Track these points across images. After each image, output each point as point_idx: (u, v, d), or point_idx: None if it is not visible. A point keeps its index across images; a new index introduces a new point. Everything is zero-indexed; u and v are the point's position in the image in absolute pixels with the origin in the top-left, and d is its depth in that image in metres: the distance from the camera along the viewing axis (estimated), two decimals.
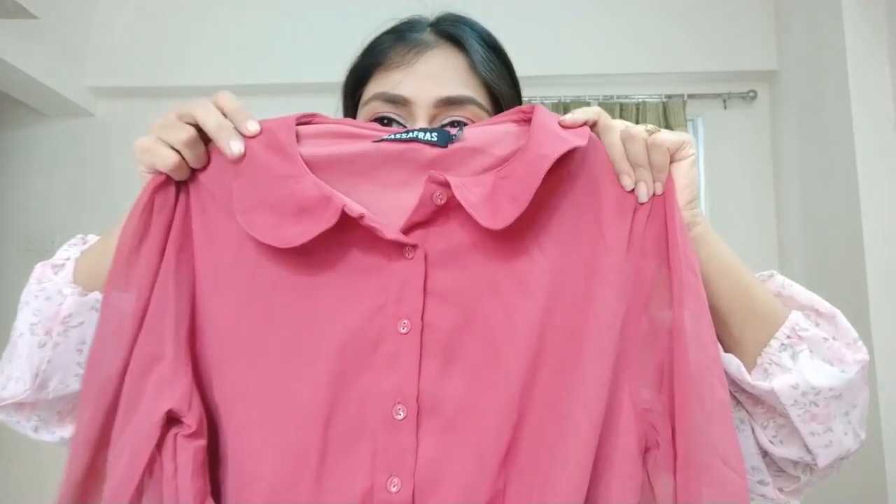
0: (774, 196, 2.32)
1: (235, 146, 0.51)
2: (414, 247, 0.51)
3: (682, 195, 0.51)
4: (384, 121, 0.61)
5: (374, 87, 0.62)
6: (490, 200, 0.49)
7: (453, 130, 0.53)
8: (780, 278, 0.58)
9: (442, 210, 0.51)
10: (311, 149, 0.52)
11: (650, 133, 0.51)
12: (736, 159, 2.35)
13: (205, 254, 0.52)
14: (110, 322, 0.50)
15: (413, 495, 0.47)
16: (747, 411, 0.54)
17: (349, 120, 0.59)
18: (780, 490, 0.56)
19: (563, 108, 2.30)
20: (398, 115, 0.60)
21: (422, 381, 0.49)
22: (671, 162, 0.51)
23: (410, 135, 0.52)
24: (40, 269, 0.58)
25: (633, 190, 0.52)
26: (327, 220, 0.48)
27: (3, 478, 2.34)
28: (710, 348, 0.48)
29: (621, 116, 2.30)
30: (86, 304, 0.53)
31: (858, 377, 0.51)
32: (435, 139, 0.52)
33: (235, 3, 2.45)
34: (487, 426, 0.48)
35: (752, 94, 2.32)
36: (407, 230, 0.51)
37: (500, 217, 0.48)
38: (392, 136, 0.53)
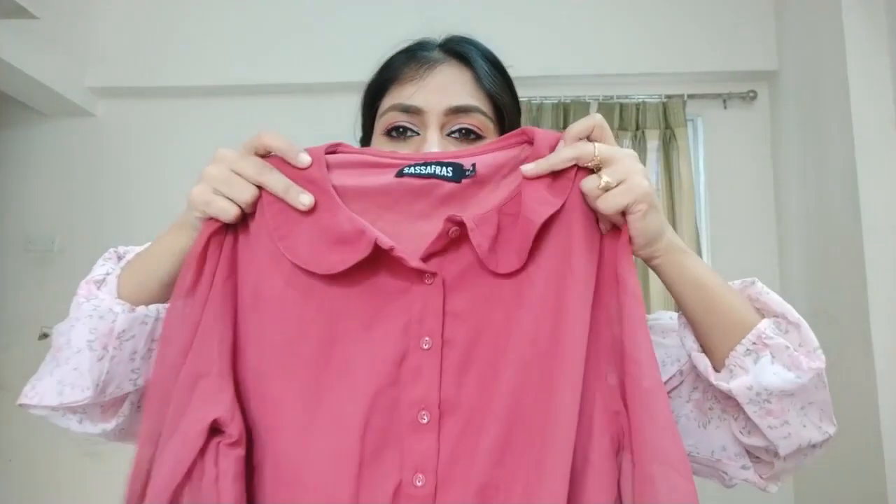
0: (774, 196, 2.32)
1: (306, 199, 0.57)
2: (434, 274, 0.58)
3: (635, 242, 0.57)
4: (399, 129, 0.67)
5: (390, 99, 0.68)
6: (495, 250, 0.57)
7: (466, 165, 0.60)
8: (759, 286, 0.63)
9: (455, 241, 0.58)
10: (341, 179, 0.59)
11: (605, 189, 0.55)
12: (736, 159, 2.35)
13: (247, 279, 0.58)
14: (170, 346, 0.56)
15: (435, 490, 0.53)
16: (722, 407, 0.62)
17: (373, 150, 0.65)
18: (760, 475, 0.63)
19: (563, 108, 2.30)
20: (412, 123, 0.67)
21: (442, 390, 0.56)
22: (625, 214, 0.56)
23: (428, 170, 0.59)
24: (85, 287, 0.63)
25: (589, 223, 0.58)
26: (362, 251, 0.55)
27: (3, 478, 2.34)
28: (653, 368, 0.54)
29: (621, 116, 2.30)
30: (136, 319, 0.60)
31: (812, 382, 0.57)
32: (450, 175, 0.59)
33: (235, 3, 2.45)
34: (494, 426, 0.54)
35: (752, 94, 2.32)
36: (425, 258, 0.58)
37: (506, 266, 0.57)
38: (413, 171, 0.59)
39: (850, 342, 1.72)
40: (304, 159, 0.58)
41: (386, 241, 0.55)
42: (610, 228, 0.58)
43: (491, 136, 0.69)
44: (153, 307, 0.62)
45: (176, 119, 2.49)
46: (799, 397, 0.58)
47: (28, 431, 2.35)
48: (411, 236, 0.58)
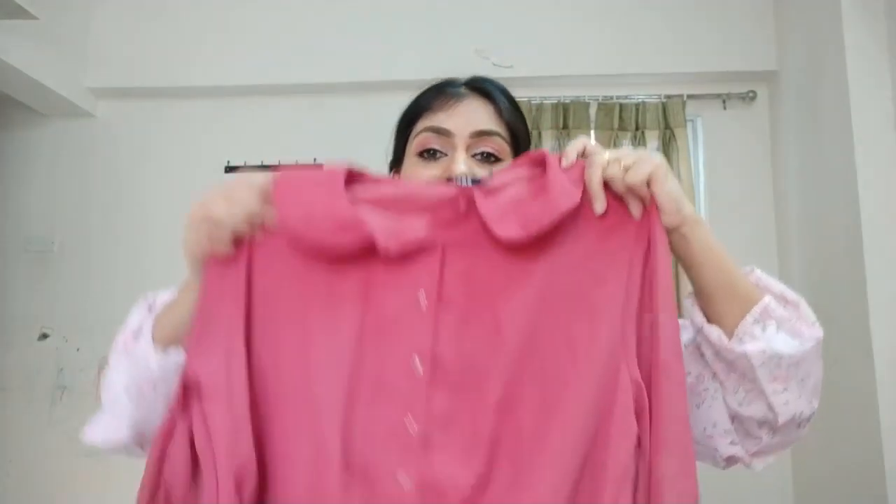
0: (774, 196, 2.32)
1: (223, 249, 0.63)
2: (434, 240, 0.62)
3: (664, 209, 0.63)
4: (430, 151, 0.77)
5: (423, 123, 0.79)
6: (504, 219, 0.61)
7: (483, 174, 0.69)
8: (758, 272, 0.70)
9: (464, 216, 0.63)
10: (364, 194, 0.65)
11: (625, 169, 0.62)
12: (735, 160, 2.35)
13: (261, 272, 0.64)
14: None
15: (426, 434, 0.58)
16: (720, 382, 0.68)
17: (398, 182, 0.75)
18: (747, 452, 0.69)
19: (563, 108, 2.30)
20: (442, 145, 0.77)
21: (437, 344, 0.61)
22: (649, 185, 0.62)
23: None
24: (122, 340, 0.69)
25: (612, 210, 0.64)
26: (357, 242, 0.61)
27: (3, 478, 2.34)
28: (676, 343, 0.61)
29: (621, 116, 2.30)
30: (169, 366, 0.66)
31: (813, 350, 0.65)
32: (470, 183, 0.66)
33: (235, 3, 2.45)
34: (484, 381, 0.60)
35: (751, 94, 2.33)
36: (431, 227, 0.63)
37: (508, 233, 0.60)
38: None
39: (850, 342, 1.72)
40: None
41: (374, 231, 0.60)
42: (642, 210, 0.63)
43: (508, 158, 0.79)
44: (183, 353, 0.67)
45: (176, 119, 2.49)
46: (802, 367, 0.64)
47: (28, 431, 2.35)
48: (420, 220, 0.63)
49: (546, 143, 2.28)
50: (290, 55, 2.39)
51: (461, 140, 0.76)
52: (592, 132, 2.32)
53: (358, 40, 2.38)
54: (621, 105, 2.30)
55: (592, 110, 2.31)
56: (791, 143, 2.18)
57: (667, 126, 2.27)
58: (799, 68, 2.11)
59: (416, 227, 0.62)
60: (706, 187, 2.36)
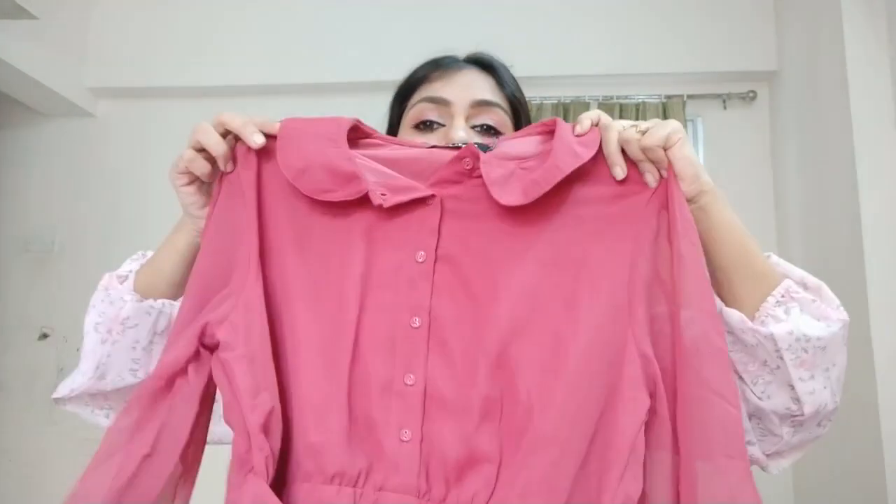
0: (774, 196, 2.32)
1: (258, 139, 0.61)
2: (433, 196, 0.61)
3: (683, 175, 0.59)
4: (427, 123, 0.74)
5: (420, 94, 0.75)
6: (506, 183, 0.60)
7: (489, 142, 0.65)
8: (776, 258, 0.66)
9: (467, 176, 0.62)
10: (365, 151, 0.65)
11: (642, 133, 0.59)
12: (735, 160, 2.35)
13: (268, 214, 0.64)
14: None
15: (424, 388, 0.58)
16: (738, 375, 0.63)
17: (405, 141, 0.70)
18: (765, 452, 0.64)
19: (563, 108, 2.30)
20: (440, 115, 0.73)
21: (433, 299, 0.60)
22: (666, 150, 0.59)
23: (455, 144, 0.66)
24: (107, 279, 0.69)
25: (624, 179, 0.61)
26: (353, 194, 0.60)
27: (3, 476, 2.34)
28: (709, 305, 0.57)
29: (621, 116, 2.30)
30: (142, 308, 0.65)
31: (840, 334, 0.61)
32: (476, 145, 0.63)
33: (235, 3, 2.45)
34: (482, 339, 0.59)
35: (751, 94, 2.33)
36: (433, 184, 0.62)
37: (509, 198, 0.59)
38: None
39: (850, 342, 1.71)
40: (258, 140, 0.61)
41: (369, 187, 0.60)
42: (658, 178, 0.60)
43: (508, 131, 0.75)
44: (160, 301, 0.66)
45: (175, 119, 2.48)
46: (828, 353, 0.60)
47: (28, 431, 2.35)
48: (422, 181, 0.62)
49: None
50: (290, 55, 2.39)
51: (460, 109, 0.73)
52: None
53: (357, 40, 2.38)
54: (621, 105, 2.30)
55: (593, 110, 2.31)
56: (791, 143, 2.18)
57: None
58: (799, 68, 2.11)
59: (415, 186, 0.62)
60: None
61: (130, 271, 0.69)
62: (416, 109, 0.74)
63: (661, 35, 2.32)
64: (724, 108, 2.35)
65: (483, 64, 0.77)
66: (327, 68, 2.39)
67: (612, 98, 2.31)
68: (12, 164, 2.52)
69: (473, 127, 0.73)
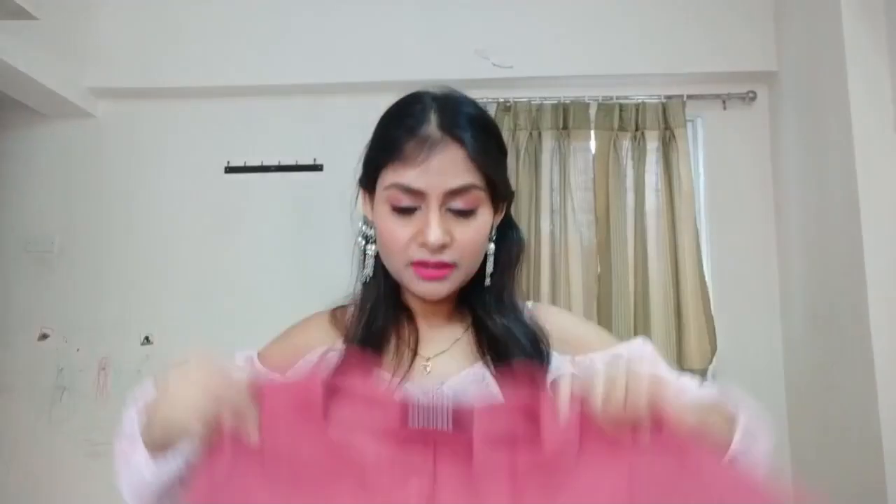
0: (774, 197, 2.32)
1: (253, 438, 0.61)
2: (421, 468, 0.62)
3: (683, 422, 0.59)
4: (403, 209, 0.75)
5: (394, 176, 0.75)
6: (492, 475, 0.60)
7: (468, 421, 0.63)
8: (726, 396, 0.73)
9: (449, 444, 0.62)
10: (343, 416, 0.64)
11: (625, 396, 0.59)
12: (735, 160, 2.35)
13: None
14: None
15: None
16: None
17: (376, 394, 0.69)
18: None
19: (563, 108, 2.30)
20: (414, 201, 0.75)
21: None
22: (653, 406, 0.59)
23: (431, 424, 0.64)
24: (119, 447, 0.70)
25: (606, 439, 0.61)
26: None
27: (3, 477, 2.34)
28: None
29: (621, 117, 2.30)
30: (162, 474, 0.67)
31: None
32: (451, 429, 0.63)
33: (235, 4, 2.45)
34: None
35: (751, 94, 2.33)
36: (419, 457, 0.62)
37: (499, 490, 0.60)
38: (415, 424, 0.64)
39: (850, 342, 1.72)
40: (253, 438, 0.61)
41: (360, 462, 0.61)
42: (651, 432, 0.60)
43: (484, 205, 0.77)
44: (175, 463, 0.67)
45: (175, 119, 2.49)
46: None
47: (28, 431, 2.35)
48: (408, 453, 0.63)
49: (546, 143, 2.29)
50: (290, 55, 2.39)
51: (434, 199, 0.74)
52: (592, 132, 2.32)
53: (358, 40, 2.38)
54: (621, 105, 2.30)
55: (592, 110, 2.31)
56: (791, 143, 2.18)
57: (667, 126, 2.27)
58: (799, 68, 2.11)
59: (402, 460, 0.62)
60: (706, 187, 2.36)
61: (135, 433, 0.69)
62: (392, 194, 0.75)
63: (661, 35, 2.32)
64: (724, 108, 2.35)
65: (455, 134, 0.75)
66: (328, 68, 2.39)
67: (612, 98, 2.31)
68: (12, 165, 2.52)
69: (449, 209, 0.75)
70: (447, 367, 0.80)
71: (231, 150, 2.45)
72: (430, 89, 0.80)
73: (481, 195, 0.77)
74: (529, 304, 0.87)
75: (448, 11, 2.37)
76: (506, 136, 2.25)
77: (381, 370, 0.79)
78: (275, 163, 2.43)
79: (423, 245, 0.73)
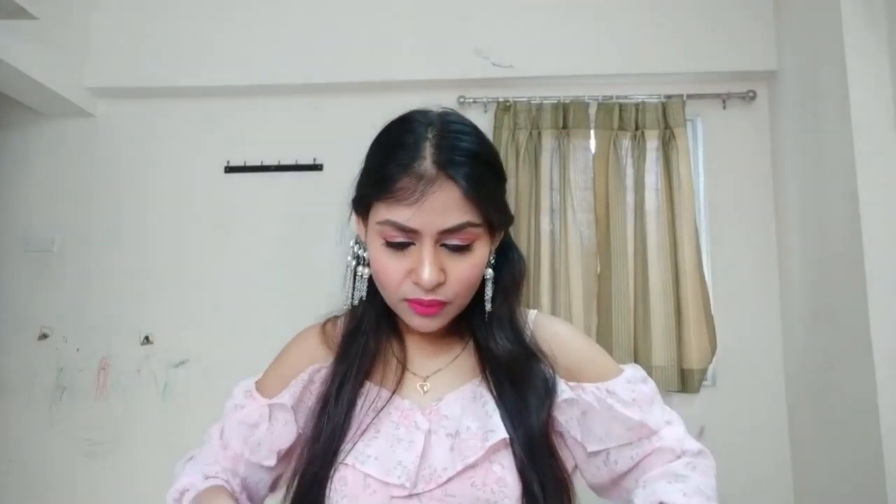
0: (774, 196, 2.32)
1: None
2: None
3: None
4: (397, 244, 0.74)
5: (387, 213, 0.73)
6: None
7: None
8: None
9: None
10: None
11: None
12: (735, 159, 2.35)
13: None
14: None
15: None
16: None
17: None
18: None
19: (563, 108, 2.30)
20: (408, 238, 0.73)
21: None
22: None
23: None
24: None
25: None
26: None
27: (3, 477, 2.34)
28: None
29: (620, 116, 2.30)
30: None
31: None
32: None
33: (235, 3, 2.45)
34: None
35: (751, 94, 2.33)
36: None
37: None
38: None
39: (850, 342, 1.72)
40: None
41: None
42: None
43: (480, 239, 0.76)
44: None
45: (175, 119, 2.49)
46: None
47: (28, 431, 2.35)
48: None
49: (546, 143, 2.29)
50: (290, 55, 2.39)
51: (428, 238, 0.72)
52: (592, 132, 2.32)
53: (358, 40, 2.38)
54: (621, 105, 2.30)
55: (592, 110, 2.31)
56: (791, 143, 2.18)
57: (667, 126, 2.27)
58: (799, 68, 2.11)
59: None
60: (706, 187, 2.36)
61: (186, 490, 0.78)
62: (385, 229, 0.74)
63: (660, 35, 2.32)
64: (724, 108, 2.35)
65: (448, 170, 0.72)
66: (328, 68, 2.39)
67: (612, 98, 2.31)
68: (12, 165, 2.52)
69: (443, 245, 0.73)
70: (445, 384, 0.80)
71: (231, 149, 2.45)
72: (428, 111, 0.77)
73: (477, 231, 0.75)
74: (531, 314, 0.85)
75: (448, 11, 2.37)
76: (505, 135, 2.26)
77: (371, 384, 0.79)
78: (275, 162, 2.43)
79: (417, 284, 0.72)
